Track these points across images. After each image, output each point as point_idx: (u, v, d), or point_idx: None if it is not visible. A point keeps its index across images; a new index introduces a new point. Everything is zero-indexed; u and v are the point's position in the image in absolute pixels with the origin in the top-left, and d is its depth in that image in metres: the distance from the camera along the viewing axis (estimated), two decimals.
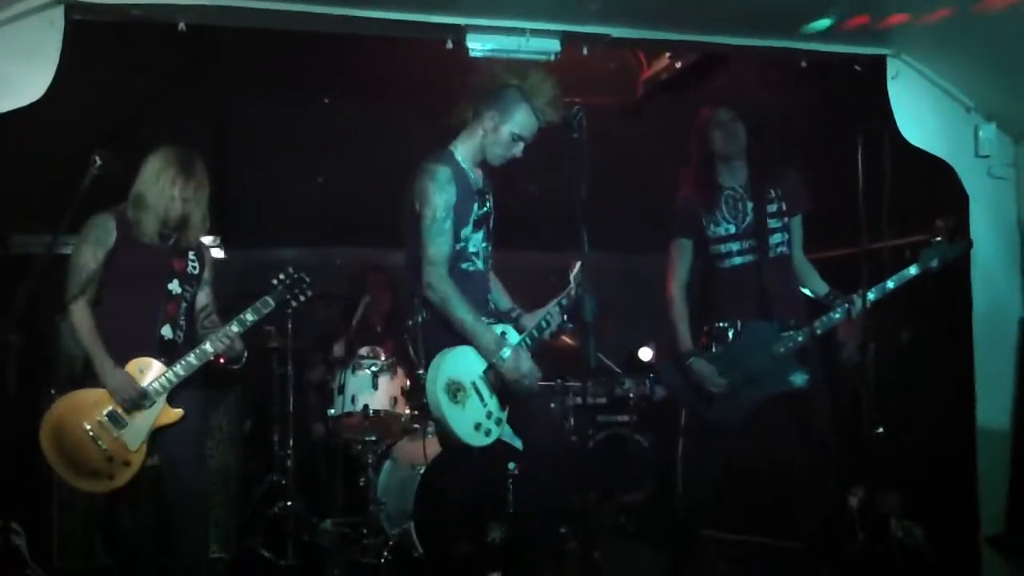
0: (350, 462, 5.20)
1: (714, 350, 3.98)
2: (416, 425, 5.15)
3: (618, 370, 6.37)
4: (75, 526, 4.55)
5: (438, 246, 3.45)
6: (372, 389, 5.00)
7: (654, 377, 6.18)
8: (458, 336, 3.47)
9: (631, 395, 6.22)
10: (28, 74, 3.40)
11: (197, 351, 3.65)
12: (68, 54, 3.41)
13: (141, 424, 3.61)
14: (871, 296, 3.79)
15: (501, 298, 3.83)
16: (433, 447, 4.73)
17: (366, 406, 4.95)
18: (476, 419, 3.47)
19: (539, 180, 4.62)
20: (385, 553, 4.74)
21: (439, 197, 3.44)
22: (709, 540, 4.67)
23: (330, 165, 5.57)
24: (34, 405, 4.57)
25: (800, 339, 3.89)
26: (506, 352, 3.47)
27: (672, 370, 4.10)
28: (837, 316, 3.89)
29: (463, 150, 3.60)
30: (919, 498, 4.45)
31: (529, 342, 3.63)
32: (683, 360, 3.99)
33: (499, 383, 3.52)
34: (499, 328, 3.59)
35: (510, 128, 3.53)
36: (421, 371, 3.48)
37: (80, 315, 3.60)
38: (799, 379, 3.88)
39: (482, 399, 3.50)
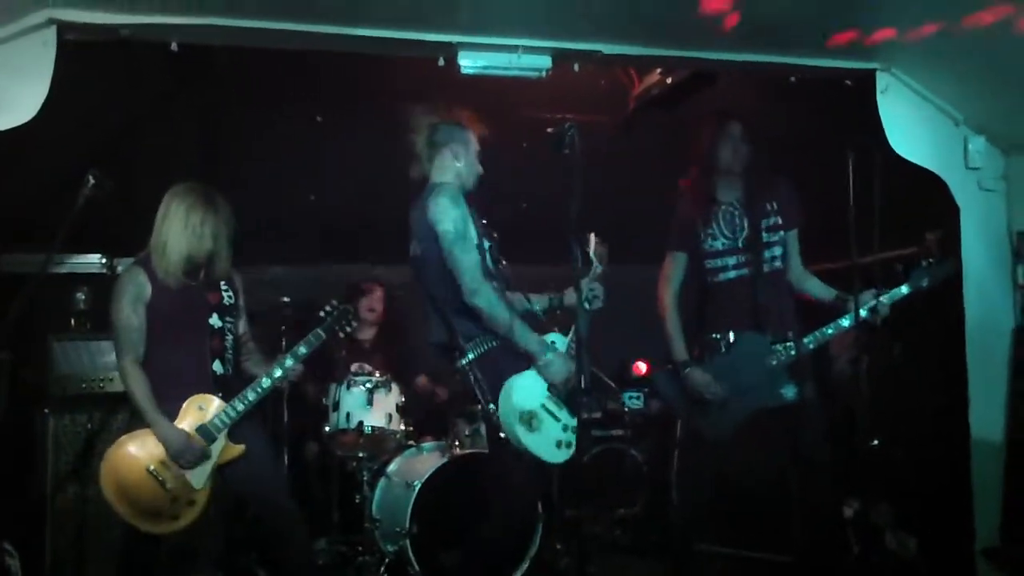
0: (345, 480, 5.18)
1: (707, 361, 3.99)
2: (411, 442, 5.15)
3: (612, 384, 6.37)
4: (68, 547, 4.52)
5: (469, 253, 3.54)
6: (367, 406, 4.99)
7: (648, 391, 6.18)
8: (510, 361, 3.56)
9: (626, 409, 6.23)
10: (21, 94, 3.39)
11: (256, 387, 3.66)
12: (61, 74, 3.41)
13: (205, 461, 3.60)
14: (864, 314, 3.82)
15: (534, 301, 3.92)
16: (429, 464, 4.76)
17: (361, 423, 4.94)
18: (556, 438, 3.60)
19: (530, 195, 4.64)
20: (381, 571, 4.73)
21: (457, 210, 3.55)
22: (704, 554, 4.67)
23: (322, 183, 5.58)
24: (27, 425, 4.58)
25: (793, 352, 3.90)
26: (548, 355, 3.56)
27: (666, 380, 4.11)
28: (829, 332, 3.91)
29: (452, 180, 3.71)
30: (914, 510, 4.45)
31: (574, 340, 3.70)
32: (680, 370, 4.00)
33: (563, 394, 3.62)
34: (549, 337, 3.67)
35: (474, 147, 3.74)
36: (492, 407, 3.56)
37: (132, 376, 3.57)
38: (790, 392, 3.89)
39: (556, 417, 3.61)
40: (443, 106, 3.81)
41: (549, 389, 3.62)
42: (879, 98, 4.18)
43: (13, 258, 4.93)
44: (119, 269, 5.02)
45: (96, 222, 3.61)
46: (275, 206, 5.46)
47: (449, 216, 3.53)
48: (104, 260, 5.08)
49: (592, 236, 3.87)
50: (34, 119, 3.41)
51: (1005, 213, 4.37)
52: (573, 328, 3.69)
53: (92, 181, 3.42)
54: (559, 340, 3.72)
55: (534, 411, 3.56)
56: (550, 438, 3.59)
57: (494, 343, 3.59)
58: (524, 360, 3.59)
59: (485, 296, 3.49)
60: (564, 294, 3.90)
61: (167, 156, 4.97)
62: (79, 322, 4.88)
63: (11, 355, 4.19)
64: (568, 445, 3.63)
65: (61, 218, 3.39)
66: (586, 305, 3.70)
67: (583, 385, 3.43)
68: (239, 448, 3.67)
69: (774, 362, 3.90)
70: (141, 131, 4.91)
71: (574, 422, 3.66)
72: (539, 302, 3.92)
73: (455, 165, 3.74)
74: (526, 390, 3.58)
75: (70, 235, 3.45)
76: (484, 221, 3.75)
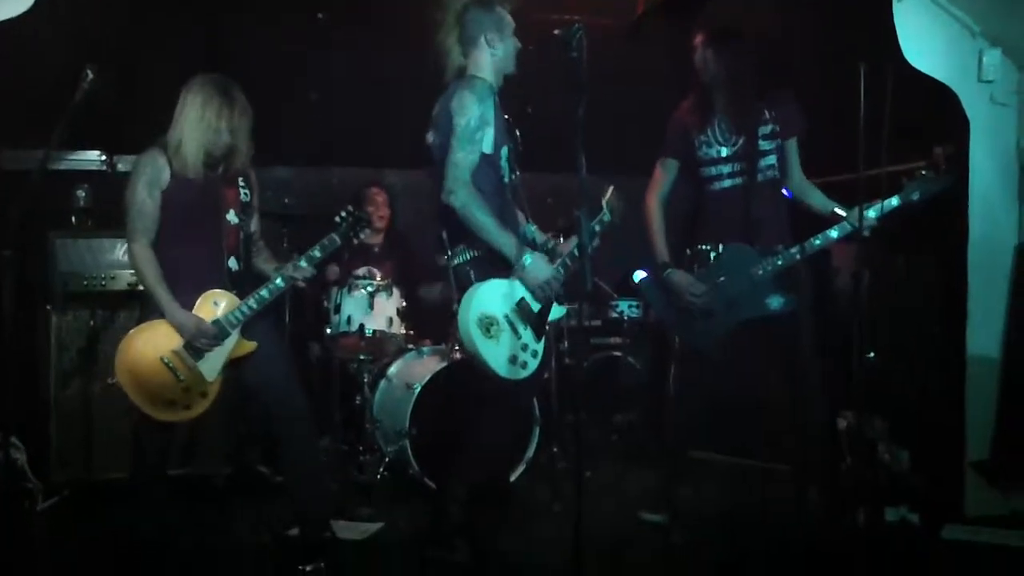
0: (346, 381, 5.24)
1: (695, 272, 3.99)
2: (411, 345, 5.19)
3: (612, 293, 6.39)
4: (73, 442, 4.60)
5: (467, 152, 3.44)
6: (368, 309, 5.02)
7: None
8: (493, 273, 3.50)
9: (624, 318, 6.26)
10: None
11: (270, 286, 3.65)
12: None
13: (217, 355, 3.61)
14: (848, 227, 3.79)
15: (534, 231, 3.88)
16: (429, 367, 4.81)
17: (362, 326, 4.98)
18: (512, 352, 3.51)
19: (535, 100, 4.56)
20: (381, 470, 4.82)
21: (477, 107, 3.45)
22: (698, 461, 4.75)
23: (326, 83, 5.49)
24: (30, 321, 4.61)
25: (780, 263, 3.89)
26: (528, 259, 3.49)
27: (652, 285, 4.12)
28: (817, 242, 3.88)
29: (487, 74, 3.61)
30: (907, 423, 4.51)
31: (568, 263, 3.67)
32: (660, 272, 4.01)
33: (532, 315, 3.55)
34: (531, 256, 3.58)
35: (511, 31, 3.62)
36: (456, 306, 3.50)
37: (143, 259, 3.54)
38: (776, 302, 3.90)
39: (516, 332, 3.54)
40: None
41: (517, 304, 3.56)
42: (895, 6, 4.09)
43: (12, 155, 4.89)
44: (119, 166, 4.99)
45: (96, 118, 3.57)
46: (278, 105, 5.38)
47: (468, 111, 3.44)
48: (104, 157, 5.04)
49: (611, 188, 3.88)
50: (30, 10, 3.34)
51: (1015, 128, 4.32)
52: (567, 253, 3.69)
53: (90, 76, 3.35)
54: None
55: (495, 317, 3.49)
56: (505, 350, 3.50)
57: (478, 252, 3.55)
58: (507, 273, 3.54)
59: (461, 197, 3.41)
60: (560, 243, 3.81)
61: (168, 50, 4.87)
62: (80, 220, 4.87)
63: (13, 253, 4.18)
64: (523, 365, 3.54)
65: (60, 114, 3.35)
66: (572, 259, 3.68)
67: (587, 290, 3.37)
68: (251, 345, 3.67)
69: (761, 272, 3.89)
70: (141, 25, 4.80)
71: (537, 346, 3.60)
72: (538, 236, 3.88)
73: (490, 56, 3.62)
74: (492, 295, 3.52)
75: (69, 131, 3.40)
76: (507, 117, 3.66)
